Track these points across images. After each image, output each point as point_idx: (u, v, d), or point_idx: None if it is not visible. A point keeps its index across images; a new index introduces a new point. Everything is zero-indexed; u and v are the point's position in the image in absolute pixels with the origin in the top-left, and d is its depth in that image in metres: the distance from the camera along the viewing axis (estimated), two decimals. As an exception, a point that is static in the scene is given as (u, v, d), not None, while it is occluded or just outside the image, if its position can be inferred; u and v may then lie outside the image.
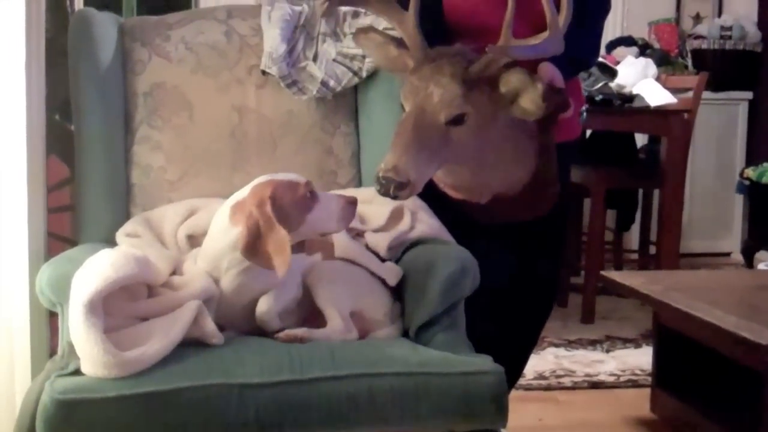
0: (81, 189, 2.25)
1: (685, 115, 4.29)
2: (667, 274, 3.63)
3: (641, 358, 3.60)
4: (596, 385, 3.37)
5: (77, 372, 1.70)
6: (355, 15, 2.43)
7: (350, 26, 2.40)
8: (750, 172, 5.06)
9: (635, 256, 5.04)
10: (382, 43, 2.08)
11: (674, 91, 4.40)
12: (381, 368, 1.77)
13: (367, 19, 2.37)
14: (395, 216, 2.18)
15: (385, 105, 2.34)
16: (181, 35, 2.36)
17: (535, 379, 3.37)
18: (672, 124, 4.19)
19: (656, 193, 4.65)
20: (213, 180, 2.29)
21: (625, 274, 3.82)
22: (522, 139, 2.09)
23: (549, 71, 2.05)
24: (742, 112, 5.83)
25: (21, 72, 2.12)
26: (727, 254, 5.80)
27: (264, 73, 2.33)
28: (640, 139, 5.01)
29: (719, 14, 5.96)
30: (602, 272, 3.36)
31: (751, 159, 5.65)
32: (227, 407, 1.69)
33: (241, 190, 1.92)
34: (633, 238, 5.25)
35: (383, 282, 2.03)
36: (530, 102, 1.91)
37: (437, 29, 2.12)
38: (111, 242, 2.14)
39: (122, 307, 1.78)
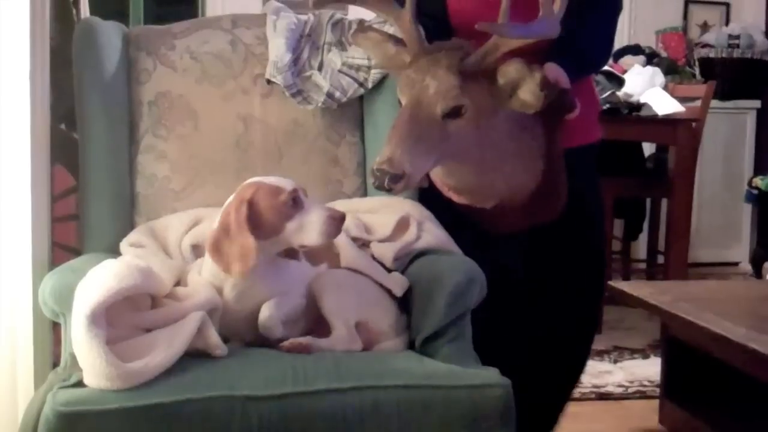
0: (85, 198, 2.24)
1: (693, 124, 4.27)
2: (675, 284, 3.61)
3: (649, 369, 3.58)
4: (604, 397, 3.35)
5: (80, 384, 1.69)
6: (362, 23, 2.41)
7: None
8: (758, 181, 5.04)
9: (643, 265, 5.02)
10: (380, 42, 2.07)
11: (682, 99, 4.38)
12: (386, 380, 1.75)
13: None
14: (401, 226, 2.17)
15: (391, 114, 2.31)
16: (186, 44, 2.36)
17: (542, 389, 3.34)
18: (680, 133, 4.17)
19: (664, 202, 4.63)
20: (218, 189, 2.27)
21: (633, 284, 3.79)
22: (525, 140, 2.07)
23: (554, 71, 2.03)
24: (750, 121, 5.81)
25: (26, 81, 2.11)
26: (736, 264, 5.78)
27: (269, 82, 2.32)
28: (648, 148, 4.99)
29: (727, 23, 5.95)
30: (610, 282, 3.33)
31: (760, 168, 5.63)
32: (231, 420, 1.67)
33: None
34: (641, 247, 5.22)
35: (390, 293, 2.01)
36: (529, 93, 1.88)
37: (442, 34, 2.10)
38: (115, 252, 2.13)
39: (125, 318, 1.77)
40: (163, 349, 1.70)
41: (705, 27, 5.98)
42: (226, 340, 1.82)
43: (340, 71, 2.34)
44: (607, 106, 4.07)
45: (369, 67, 2.33)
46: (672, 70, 5.35)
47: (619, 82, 4.26)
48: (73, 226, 2.42)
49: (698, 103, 4.37)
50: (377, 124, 2.36)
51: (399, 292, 2.01)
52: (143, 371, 1.66)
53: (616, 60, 5.18)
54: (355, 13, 2.44)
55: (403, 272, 2.07)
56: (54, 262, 2.21)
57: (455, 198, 2.18)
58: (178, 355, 1.71)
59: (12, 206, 2.12)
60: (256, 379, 1.71)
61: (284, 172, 2.28)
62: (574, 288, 2.36)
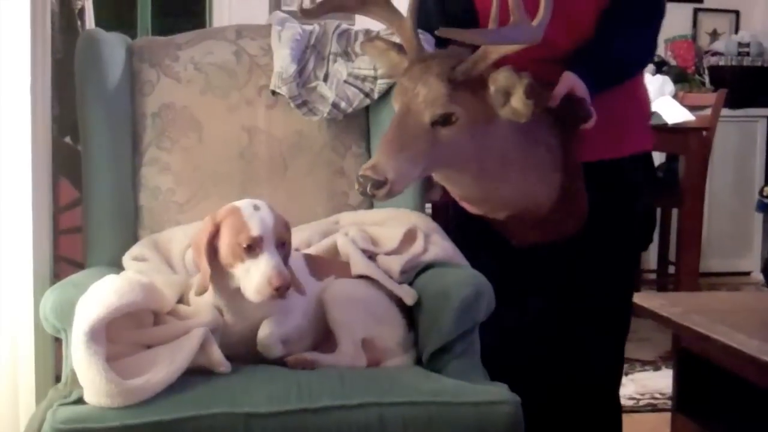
0: (88, 211, 2.22)
1: (704, 133, 4.24)
2: (686, 296, 3.57)
3: (660, 381, 3.54)
4: (615, 409, 3.30)
5: (80, 401, 1.67)
6: (367, 34, 2.39)
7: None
8: (770, 190, 4.99)
9: (654, 275, 4.98)
10: (385, 50, 2.06)
11: (692, 108, 4.35)
12: (392, 397, 1.73)
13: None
14: (408, 238, 2.14)
15: (397, 125, 2.30)
16: (190, 55, 2.34)
17: (552, 402, 3.31)
18: (690, 142, 4.14)
19: (675, 211, 4.59)
20: (222, 202, 2.21)
21: (644, 295, 3.75)
22: (537, 150, 2.04)
23: (569, 80, 2.00)
24: (761, 129, 5.77)
25: (26, 92, 2.09)
26: (747, 273, 5.73)
27: (274, 93, 2.30)
28: (658, 157, 4.95)
29: (736, 30, 5.92)
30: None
31: (771, 177, 5.60)
32: (233, 437, 1.64)
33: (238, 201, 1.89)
34: (651, 257, 5.18)
35: (400, 306, 1.98)
36: (518, 100, 1.84)
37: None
38: (118, 266, 2.11)
39: (126, 334, 1.75)
40: (164, 366, 1.68)
41: (714, 35, 5.95)
42: (228, 358, 1.79)
43: (345, 81, 2.31)
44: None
45: (375, 78, 2.30)
46: (681, 78, 5.32)
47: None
48: (78, 239, 2.40)
49: (708, 111, 4.34)
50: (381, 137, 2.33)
51: (410, 301, 1.98)
52: (144, 388, 1.64)
53: (625, 69, 5.15)
54: (362, 23, 2.42)
55: (410, 285, 2.04)
56: (59, 276, 2.20)
57: (469, 208, 2.17)
58: (179, 371, 1.69)
59: (13, 219, 2.10)
60: (259, 396, 1.69)
61: (289, 184, 2.28)
62: (595, 308, 2.30)
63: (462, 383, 1.80)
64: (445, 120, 1.88)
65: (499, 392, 1.79)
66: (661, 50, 5.68)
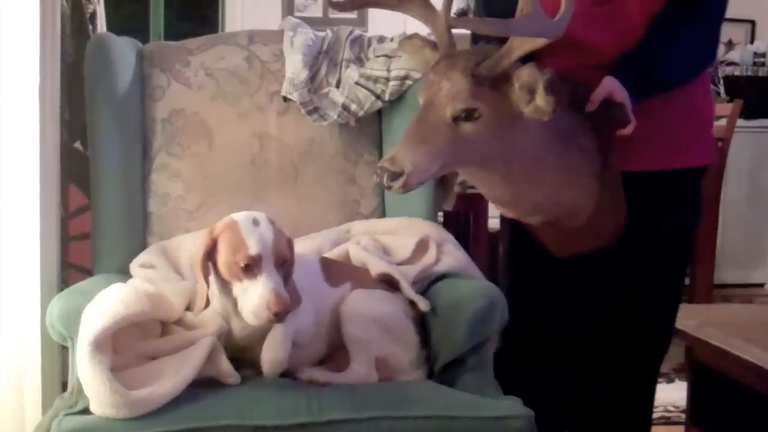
0: (97, 218, 2.20)
1: (719, 144, 4.19)
2: (701, 308, 3.53)
3: (674, 394, 3.49)
4: (628, 422, 3.27)
5: (86, 411, 1.65)
6: (381, 40, 2.37)
7: (374, 51, 2.34)
8: (785, 202, 4.96)
9: (667, 287, 4.93)
10: (421, 47, 2.03)
11: (707, 118, 4.30)
12: (403, 411, 1.70)
13: (393, 44, 2.31)
14: (420, 248, 2.12)
15: (410, 132, 2.27)
16: (201, 61, 2.31)
17: (563, 415, 3.27)
18: (705, 153, 4.10)
19: (689, 222, 4.55)
20: (232, 209, 2.18)
21: (658, 306, 3.72)
22: (570, 154, 1.98)
23: (609, 84, 1.93)
24: (776, 140, 5.73)
25: (36, 98, 2.07)
26: (761, 285, 5.69)
27: (285, 99, 2.27)
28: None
29: (752, 40, 5.88)
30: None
31: (786, 188, 5.56)
32: (240, 450, 1.62)
33: (238, 213, 1.83)
34: (664, 268, 5.13)
35: (414, 323, 1.94)
36: (541, 97, 1.79)
37: None
38: (127, 273, 2.09)
39: (133, 345, 1.73)
40: (170, 377, 1.65)
41: (730, 45, 5.91)
42: (234, 364, 1.77)
43: (357, 83, 2.29)
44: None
45: (387, 79, 2.27)
46: (696, 88, 5.28)
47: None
48: (88, 245, 2.39)
49: (723, 122, 4.30)
50: (396, 143, 2.29)
51: (425, 307, 1.95)
52: (149, 399, 1.62)
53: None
54: (375, 29, 2.40)
55: (422, 296, 2.01)
56: (68, 283, 2.18)
57: (501, 210, 2.14)
58: (186, 382, 1.66)
59: (21, 225, 2.08)
60: (269, 408, 1.66)
61: (300, 192, 2.26)
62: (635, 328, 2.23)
63: (475, 397, 1.77)
64: (468, 115, 1.84)
65: (513, 406, 1.76)
66: (675, 60, 5.65)
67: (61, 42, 2.29)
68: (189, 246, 2.12)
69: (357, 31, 2.42)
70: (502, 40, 1.83)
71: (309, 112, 2.25)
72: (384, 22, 2.75)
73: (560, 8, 1.75)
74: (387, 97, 2.28)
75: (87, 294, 1.82)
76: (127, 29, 2.40)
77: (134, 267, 2.09)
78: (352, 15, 5.24)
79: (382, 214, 2.31)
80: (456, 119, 1.83)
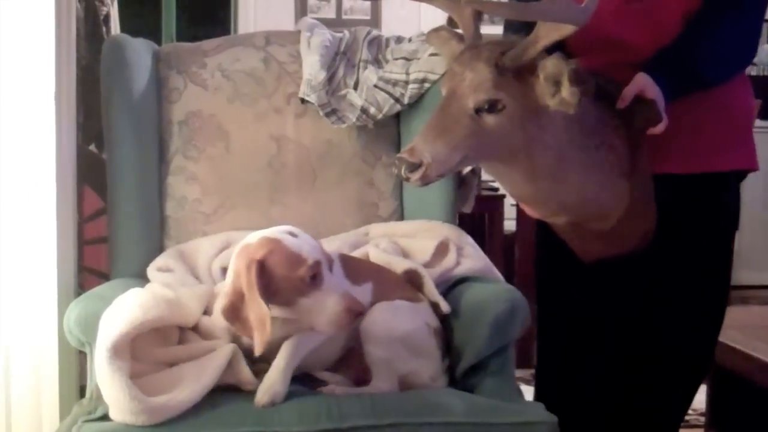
0: (114, 221, 2.18)
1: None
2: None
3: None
4: (646, 426, 3.24)
5: (105, 417, 1.64)
6: (399, 41, 2.35)
7: (392, 53, 2.32)
8: (802, 202, 4.92)
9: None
10: (448, 39, 1.98)
11: (724, 119, 4.27)
12: (424, 417, 1.68)
13: (411, 46, 2.29)
14: (440, 251, 2.10)
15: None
16: (217, 62, 2.30)
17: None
18: (722, 153, 4.06)
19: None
20: (250, 212, 2.22)
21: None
22: (595, 150, 1.91)
23: (641, 81, 1.87)
24: (793, 140, 5.69)
25: (51, 101, 2.06)
26: (778, 287, 5.67)
27: (303, 101, 2.26)
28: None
29: (769, 40, 5.85)
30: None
31: (802, 188, 5.52)
32: (262, 457, 1.61)
33: (258, 232, 1.76)
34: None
35: (436, 336, 1.90)
36: (566, 89, 1.73)
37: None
38: (144, 277, 2.08)
39: (151, 351, 1.71)
40: (190, 384, 1.64)
41: (746, 44, 5.87)
42: (256, 374, 1.74)
43: (375, 86, 2.27)
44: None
45: (406, 82, 2.25)
46: (712, 88, 5.25)
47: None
48: (103, 249, 2.37)
49: (741, 122, 4.27)
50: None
51: (446, 309, 1.92)
52: (169, 406, 1.60)
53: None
54: (387, 30, 2.37)
55: (442, 299, 1.99)
56: (84, 287, 2.17)
57: (526, 210, 2.07)
58: (206, 389, 1.65)
59: (37, 229, 2.07)
60: (289, 415, 1.65)
61: (318, 195, 2.24)
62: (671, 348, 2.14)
63: (497, 402, 1.76)
64: (490, 107, 1.80)
65: (536, 412, 1.74)
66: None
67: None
68: (206, 249, 2.11)
69: (374, 32, 2.40)
70: (529, 32, 1.78)
71: (327, 114, 2.24)
72: (397, 22, 2.73)
73: None
74: (406, 100, 2.26)
75: (105, 299, 1.80)
76: (138, 31, 2.39)
77: (151, 271, 2.07)
78: (365, 15, 5.25)
79: (401, 216, 2.28)
80: (478, 111, 1.79)
